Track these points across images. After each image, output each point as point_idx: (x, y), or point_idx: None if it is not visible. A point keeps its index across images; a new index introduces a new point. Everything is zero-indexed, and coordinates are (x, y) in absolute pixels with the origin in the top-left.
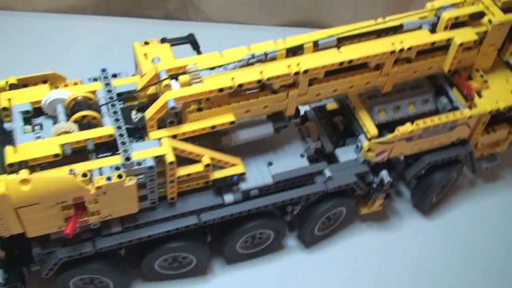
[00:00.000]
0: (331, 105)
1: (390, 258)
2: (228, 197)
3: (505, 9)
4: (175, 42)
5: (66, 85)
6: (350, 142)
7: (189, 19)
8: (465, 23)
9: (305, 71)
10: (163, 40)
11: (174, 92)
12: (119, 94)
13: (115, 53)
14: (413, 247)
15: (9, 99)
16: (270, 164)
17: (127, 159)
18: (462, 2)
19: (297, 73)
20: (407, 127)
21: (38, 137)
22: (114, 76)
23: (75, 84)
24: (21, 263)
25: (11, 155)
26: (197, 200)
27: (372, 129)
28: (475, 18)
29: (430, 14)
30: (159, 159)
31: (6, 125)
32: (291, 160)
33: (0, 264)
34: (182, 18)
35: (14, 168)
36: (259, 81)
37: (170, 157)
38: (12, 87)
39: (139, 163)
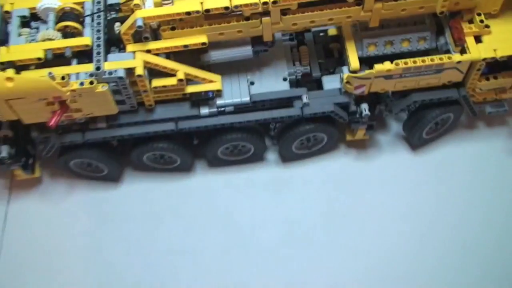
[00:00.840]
0: (332, 31)
1: (362, 186)
2: (204, 110)
3: None
4: None
5: None
6: (338, 71)
7: None
8: None
9: (274, 2)
10: None
11: (144, 12)
12: (110, 5)
13: None
14: (389, 179)
15: (12, 3)
16: (252, 83)
17: (98, 68)
18: None
19: (265, 3)
20: (385, 66)
21: (32, 40)
22: None
23: None
24: (25, 142)
25: (3, 55)
26: (175, 109)
27: (354, 63)
28: None
29: None
30: (130, 71)
31: (9, 27)
32: (273, 82)
33: (8, 142)
34: None
35: (4, 66)
36: (226, 8)
37: (139, 70)
38: None
39: (110, 73)
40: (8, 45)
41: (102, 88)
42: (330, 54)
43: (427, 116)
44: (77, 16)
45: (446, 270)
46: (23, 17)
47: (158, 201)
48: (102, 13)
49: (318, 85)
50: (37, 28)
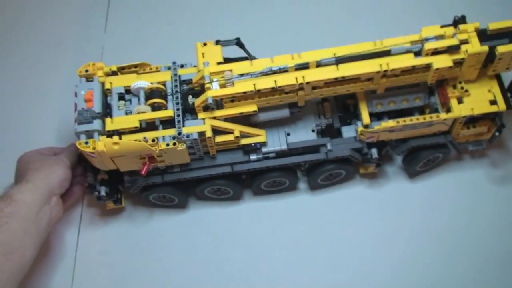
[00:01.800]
0: None
1: (373, 208)
2: (253, 156)
3: (492, 36)
4: (225, 43)
5: (150, 68)
6: (354, 122)
7: None
8: (446, 50)
9: (308, 83)
10: (217, 42)
11: (213, 92)
12: (183, 81)
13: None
14: (393, 202)
15: (111, 83)
16: (288, 134)
17: (179, 133)
18: (442, 36)
19: (301, 83)
20: (389, 123)
21: (127, 112)
22: (181, 66)
23: (157, 68)
24: (118, 183)
25: (109, 125)
26: (231, 156)
27: (366, 118)
28: (452, 50)
29: (419, 37)
30: (202, 133)
31: (108, 99)
32: (304, 133)
33: (105, 183)
34: None
35: (110, 133)
36: (273, 88)
37: (208, 134)
38: (112, 73)
39: (187, 136)
40: (112, 117)
41: (181, 147)
42: (347, 108)
43: (420, 156)
44: (161, 93)
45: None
46: (120, 93)
47: (217, 223)
48: (179, 93)
49: (338, 132)
50: (129, 100)
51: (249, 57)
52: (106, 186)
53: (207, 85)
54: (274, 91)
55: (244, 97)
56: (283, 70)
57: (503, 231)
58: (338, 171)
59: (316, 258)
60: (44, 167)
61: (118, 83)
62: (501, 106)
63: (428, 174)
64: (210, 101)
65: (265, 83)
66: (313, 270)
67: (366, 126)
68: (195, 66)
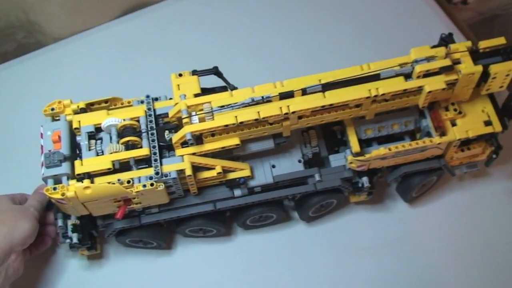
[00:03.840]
0: None
1: (371, 235)
2: (237, 192)
3: (484, 54)
4: (202, 73)
5: (122, 103)
6: (342, 150)
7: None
8: (439, 71)
9: (293, 112)
10: (194, 72)
11: (191, 127)
12: (158, 115)
13: None
14: (393, 228)
15: (79, 121)
16: (273, 166)
17: (157, 173)
18: (433, 57)
19: (286, 113)
20: (380, 151)
21: (98, 152)
22: (156, 99)
23: (129, 103)
24: (91, 227)
25: (79, 167)
26: (213, 192)
27: (355, 147)
28: (445, 70)
29: (408, 59)
30: (181, 171)
31: (77, 138)
32: (290, 164)
33: (76, 230)
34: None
35: (81, 176)
36: (256, 119)
37: (188, 171)
38: (81, 110)
39: (166, 175)
40: (82, 159)
41: (160, 187)
42: (334, 135)
43: (414, 181)
44: (135, 130)
45: None
46: (90, 132)
47: (208, 260)
48: (154, 129)
49: (326, 161)
50: (100, 139)
51: (229, 87)
52: (78, 233)
53: (185, 120)
54: (257, 122)
55: (226, 130)
56: (266, 100)
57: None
58: (329, 200)
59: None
60: (8, 220)
61: (87, 121)
62: (497, 127)
63: (423, 197)
64: (188, 137)
65: (248, 114)
66: None
67: (356, 154)
68: (170, 98)
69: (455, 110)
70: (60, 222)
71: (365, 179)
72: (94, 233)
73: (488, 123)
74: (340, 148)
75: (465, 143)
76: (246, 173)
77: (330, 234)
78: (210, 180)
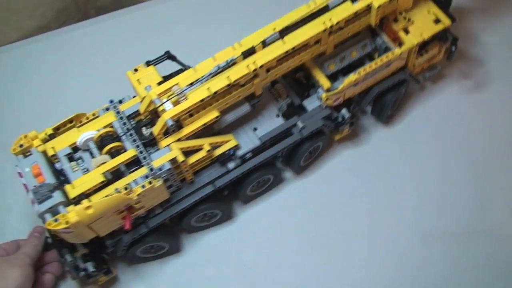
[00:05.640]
0: None
1: (363, 167)
2: (230, 165)
3: None
4: (156, 61)
5: (87, 117)
6: (313, 92)
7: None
8: None
9: (261, 66)
10: (148, 63)
11: (169, 113)
12: (128, 116)
13: None
14: (380, 153)
15: (53, 147)
16: (255, 129)
17: (151, 169)
18: None
19: (255, 70)
20: (351, 78)
21: (84, 170)
22: (120, 102)
23: (94, 115)
24: (100, 252)
25: (71, 191)
26: (208, 174)
27: (325, 83)
28: None
29: None
30: (173, 160)
31: (57, 165)
32: (270, 121)
33: (87, 258)
34: None
35: (76, 199)
36: (228, 85)
37: (180, 157)
38: (50, 136)
39: (160, 169)
40: (71, 182)
41: (158, 183)
42: (299, 82)
43: (387, 99)
44: (113, 136)
45: None
46: (68, 154)
47: (221, 246)
48: (131, 128)
49: (302, 108)
50: (80, 158)
51: (184, 68)
52: (91, 261)
53: (160, 108)
54: (230, 88)
55: (202, 105)
56: (232, 63)
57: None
58: (316, 145)
59: (332, 238)
60: None
61: (61, 144)
62: (446, 22)
63: (398, 115)
64: (170, 123)
65: (219, 83)
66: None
67: (328, 90)
68: (134, 97)
69: (404, 18)
70: (68, 258)
71: (344, 111)
72: (105, 256)
73: (437, 21)
74: (309, 92)
75: (422, 47)
76: (232, 143)
77: (327, 179)
78: (201, 162)
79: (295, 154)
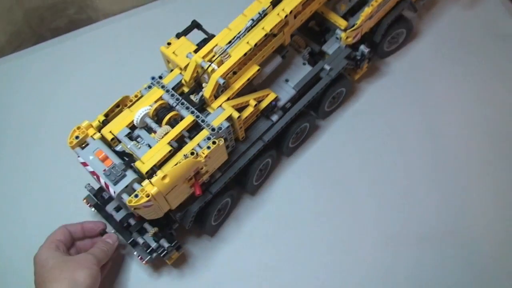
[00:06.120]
0: None
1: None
2: (274, 117)
3: None
4: (186, 32)
5: (131, 100)
6: (329, 37)
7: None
8: None
9: (291, 12)
10: (178, 35)
11: (218, 72)
12: (173, 88)
13: None
14: (400, 80)
15: (110, 131)
16: (287, 81)
17: (213, 129)
18: None
19: (286, 16)
20: (367, 11)
21: (147, 146)
22: (160, 77)
23: (136, 96)
24: (169, 228)
25: (143, 166)
26: (257, 129)
27: (343, 23)
28: None
29: None
30: (229, 118)
31: (118, 148)
32: (299, 70)
33: (159, 237)
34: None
35: (149, 173)
36: (265, 35)
37: (235, 114)
38: (103, 122)
39: (220, 128)
40: (140, 158)
41: (221, 142)
42: (313, 31)
43: (387, 34)
44: (167, 107)
45: None
46: (128, 134)
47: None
48: (181, 98)
49: (322, 54)
50: (138, 136)
51: (209, 36)
52: (164, 238)
53: (209, 69)
54: (266, 38)
55: (243, 61)
56: (264, 15)
57: None
58: (339, 90)
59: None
60: (64, 274)
61: (118, 127)
62: None
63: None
64: (221, 81)
65: (256, 35)
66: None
67: (346, 29)
68: (171, 70)
69: None
70: (140, 240)
71: (362, 47)
72: (173, 232)
73: None
74: (325, 37)
75: None
76: (272, 96)
77: (347, 126)
78: (250, 118)
79: (322, 101)
